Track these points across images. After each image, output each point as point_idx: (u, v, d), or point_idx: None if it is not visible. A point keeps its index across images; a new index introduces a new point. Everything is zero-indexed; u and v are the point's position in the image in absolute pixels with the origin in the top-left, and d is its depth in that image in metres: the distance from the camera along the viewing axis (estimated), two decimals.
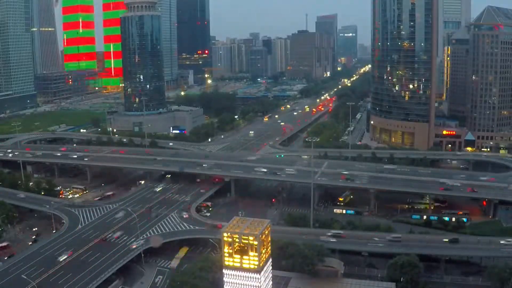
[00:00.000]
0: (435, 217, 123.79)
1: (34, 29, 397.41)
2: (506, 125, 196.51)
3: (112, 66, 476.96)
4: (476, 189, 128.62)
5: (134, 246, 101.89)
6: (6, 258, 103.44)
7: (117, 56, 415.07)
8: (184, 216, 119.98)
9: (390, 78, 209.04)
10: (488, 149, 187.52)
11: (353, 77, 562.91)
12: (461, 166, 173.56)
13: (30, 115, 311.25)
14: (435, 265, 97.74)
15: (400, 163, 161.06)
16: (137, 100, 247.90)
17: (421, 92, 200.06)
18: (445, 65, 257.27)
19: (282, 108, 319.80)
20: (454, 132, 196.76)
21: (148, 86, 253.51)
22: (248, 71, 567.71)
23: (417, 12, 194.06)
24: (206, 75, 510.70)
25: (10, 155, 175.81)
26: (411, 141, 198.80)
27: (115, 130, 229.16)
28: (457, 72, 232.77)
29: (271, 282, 75.73)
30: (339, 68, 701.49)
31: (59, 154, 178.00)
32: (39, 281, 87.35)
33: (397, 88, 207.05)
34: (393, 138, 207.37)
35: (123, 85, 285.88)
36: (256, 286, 70.90)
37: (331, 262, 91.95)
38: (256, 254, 69.68)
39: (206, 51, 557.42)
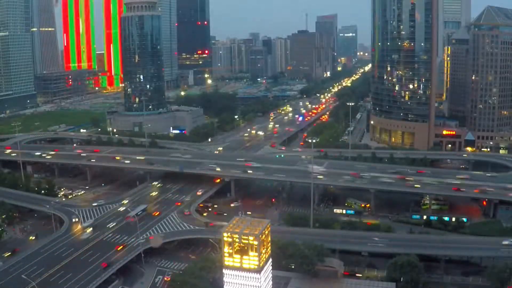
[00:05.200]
0: (435, 217, 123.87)
1: (34, 29, 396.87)
2: (506, 125, 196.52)
3: (112, 66, 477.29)
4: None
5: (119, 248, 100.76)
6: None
7: (117, 57, 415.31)
8: (185, 213, 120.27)
9: (390, 78, 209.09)
10: (488, 149, 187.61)
11: (353, 77, 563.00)
12: (461, 166, 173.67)
13: (30, 115, 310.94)
14: (435, 265, 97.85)
15: (401, 163, 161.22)
16: (137, 100, 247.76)
17: (421, 92, 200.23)
18: (445, 65, 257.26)
19: (279, 111, 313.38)
20: (454, 132, 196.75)
21: (148, 86, 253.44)
22: (248, 71, 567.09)
23: (417, 12, 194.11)
24: (206, 75, 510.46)
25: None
26: (411, 141, 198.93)
27: (115, 130, 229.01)
28: (457, 72, 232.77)
29: (271, 282, 75.74)
30: (339, 68, 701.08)
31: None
32: (39, 281, 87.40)
33: (397, 88, 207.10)
34: (393, 138, 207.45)
35: (123, 85, 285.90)
36: (256, 286, 70.92)
37: (331, 262, 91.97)
38: (256, 254, 69.72)
39: (206, 51, 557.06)
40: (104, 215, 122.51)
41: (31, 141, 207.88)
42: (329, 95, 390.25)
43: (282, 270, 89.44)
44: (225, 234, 70.99)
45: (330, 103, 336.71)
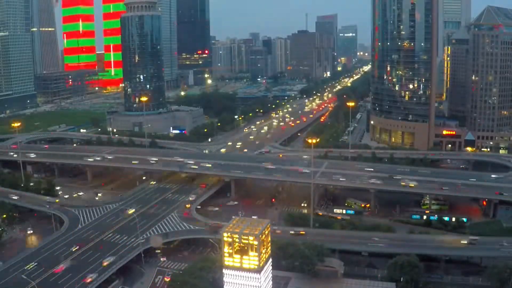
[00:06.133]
0: (435, 217, 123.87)
1: (34, 29, 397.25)
2: (506, 125, 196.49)
3: (112, 60, 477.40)
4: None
5: (105, 264, 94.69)
6: None
7: (117, 50, 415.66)
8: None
9: (390, 78, 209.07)
10: (488, 149, 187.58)
11: (353, 77, 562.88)
12: (461, 166, 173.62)
13: (30, 115, 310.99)
14: (435, 265, 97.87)
15: (401, 163, 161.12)
16: (137, 100, 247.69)
17: (421, 92, 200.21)
18: (445, 65, 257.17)
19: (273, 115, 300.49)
20: (454, 132, 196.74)
21: (148, 86, 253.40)
22: (248, 71, 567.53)
23: (417, 12, 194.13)
24: (206, 75, 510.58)
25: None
26: (411, 141, 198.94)
27: (115, 130, 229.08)
28: (457, 72, 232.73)
29: (271, 282, 75.72)
30: (339, 68, 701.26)
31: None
32: (39, 281, 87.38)
33: (397, 88, 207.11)
34: (393, 138, 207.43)
35: (123, 85, 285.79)
36: (256, 286, 70.89)
37: (331, 262, 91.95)
38: (256, 254, 69.70)
39: (206, 51, 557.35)
40: (104, 215, 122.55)
41: (31, 141, 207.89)
42: (327, 96, 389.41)
43: (282, 270, 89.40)
44: (225, 234, 70.97)
45: (322, 108, 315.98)
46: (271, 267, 75.37)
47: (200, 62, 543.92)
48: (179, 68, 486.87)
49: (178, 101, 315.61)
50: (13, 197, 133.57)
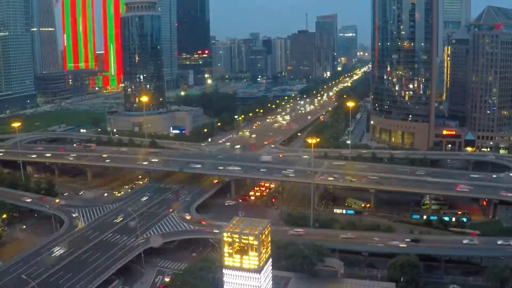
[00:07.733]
0: (435, 217, 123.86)
1: (34, 29, 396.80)
2: (506, 125, 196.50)
3: (112, 60, 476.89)
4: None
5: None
6: None
7: (117, 51, 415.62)
8: (186, 217, 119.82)
9: (390, 78, 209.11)
10: (488, 149, 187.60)
11: (353, 77, 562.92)
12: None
13: (30, 115, 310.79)
14: (435, 265, 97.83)
15: (401, 163, 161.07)
16: (137, 100, 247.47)
17: (421, 92, 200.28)
18: (445, 65, 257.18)
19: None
20: (454, 132, 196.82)
21: (148, 86, 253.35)
22: (248, 71, 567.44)
23: (417, 12, 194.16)
24: (206, 75, 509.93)
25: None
26: (411, 141, 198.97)
27: (115, 130, 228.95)
28: (457, 72, 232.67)
29: (271, 282, 75.72)
30: (339, 68, 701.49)
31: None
32: (39, 281, 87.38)
33: (397, 88, 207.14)
34: (393, 138, 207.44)
35: (122, 85, 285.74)
36: (256, 286, 70.88)
37: (331, 262, 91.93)
38: (256, 254, 69.70)
39: (206, 51, 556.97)
40: (104, 215, 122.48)
41: (31, 141, 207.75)
42: (326, 96, 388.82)
43: (282, 270, 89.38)
44: (225, 234, 70.99)
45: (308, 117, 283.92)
46: (271, 267, 75.37)
47: (200, 62, 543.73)
48: (179, 68, 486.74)
49: (178, 101, 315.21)
50: (27, 200, 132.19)
